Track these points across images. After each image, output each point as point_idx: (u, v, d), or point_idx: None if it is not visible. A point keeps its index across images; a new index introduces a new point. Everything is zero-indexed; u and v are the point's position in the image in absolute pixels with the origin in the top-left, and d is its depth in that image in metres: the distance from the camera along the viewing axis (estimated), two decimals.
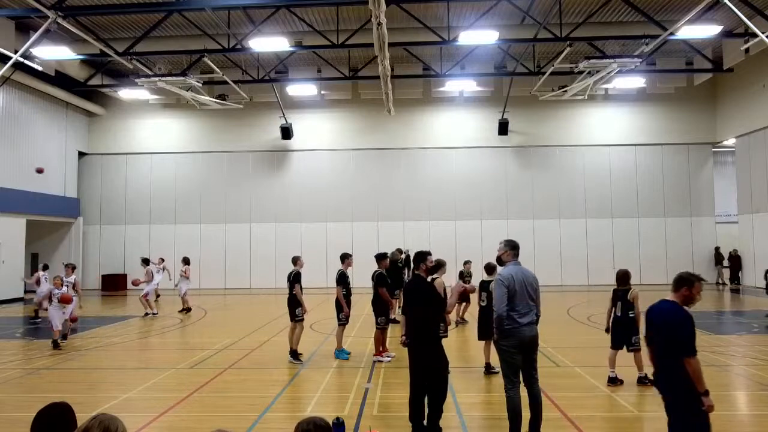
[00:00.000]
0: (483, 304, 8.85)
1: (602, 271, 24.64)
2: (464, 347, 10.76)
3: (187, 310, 16.83)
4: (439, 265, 8.39)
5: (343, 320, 9.83)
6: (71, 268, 12.46)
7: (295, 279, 9.81)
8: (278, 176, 25.69)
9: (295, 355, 9.65)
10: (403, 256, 17.27)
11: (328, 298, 17.49)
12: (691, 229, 24.86)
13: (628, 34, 18.93)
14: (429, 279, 6.39)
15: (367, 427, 6.09)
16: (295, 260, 10.13)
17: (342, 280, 9.79)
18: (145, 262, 17.21)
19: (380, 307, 9.72)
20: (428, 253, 6.24)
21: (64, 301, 11.37)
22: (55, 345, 11.04)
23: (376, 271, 9.97)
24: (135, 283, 16.99)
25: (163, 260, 21.03)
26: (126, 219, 25.84)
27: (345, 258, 10.13)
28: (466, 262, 13.95)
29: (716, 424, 6.20)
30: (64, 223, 24.56)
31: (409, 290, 6.07)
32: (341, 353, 9.83)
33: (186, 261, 17.56)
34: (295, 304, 9.79)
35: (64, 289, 11.55)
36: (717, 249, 24.67)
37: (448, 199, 25.03)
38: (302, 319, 9.82)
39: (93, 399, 7.41)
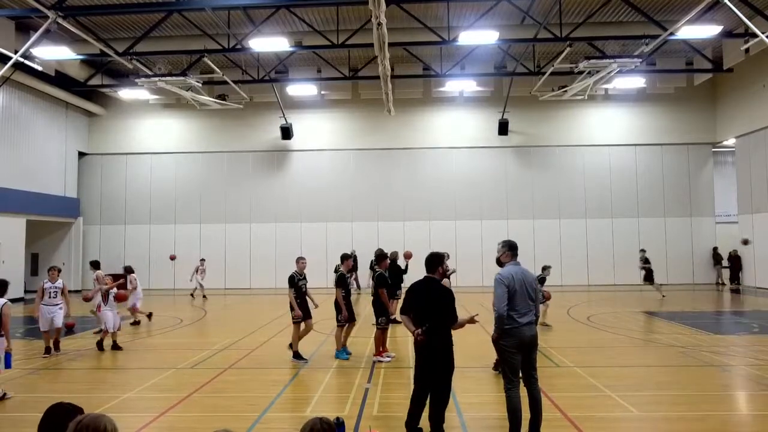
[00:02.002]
0: None
1: (602, 271, 24.69)
2: (465, 347, 10.75)
3: (136, 323, 14.34)
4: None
5: (342, 322, 9.81)
6: (57, 270, 10.90)
7: (289, 282, 9.81)
8: (278, 176, 25.69)
9: (296, 355, 9.65)
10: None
11: (328, 298, 17.47)
12: (691, 229, 24.86)
13: (628, 34, 18.92)
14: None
15: (367, 427, 6.09)
16: (296, 261, 10.13)
17: (341, 281, 9.77)
18: (94, 265, 13.91)
19: (380, 308, 9.71)
20: (443, 256, 6.01)
21: (120, 299, 11.15)
22: (107, 346, 10.86)
23: (376, 271, 9.97)
24: (86, 298, 12.51)
25: (203, 260, 21.92)
26: (126, 219, 25.84)
27: (345, 259, 10.10)
28: (545, 268, 12.73)
29: (717, 424, 6.22)
30: (64, 223, 24.55)
31: (421, 291, 5.70)
32: (341, 353, 9.82)
33: (128, 270, 14.80)
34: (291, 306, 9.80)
35: (114, 289, 11.23)
36: (715, 249, 24.67)
37: (448, 199, 25.03)
38: (298, 321, 9.80)
39: (93, 399, 7.40)
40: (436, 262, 5.80)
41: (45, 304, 10.54)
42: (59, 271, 11.00)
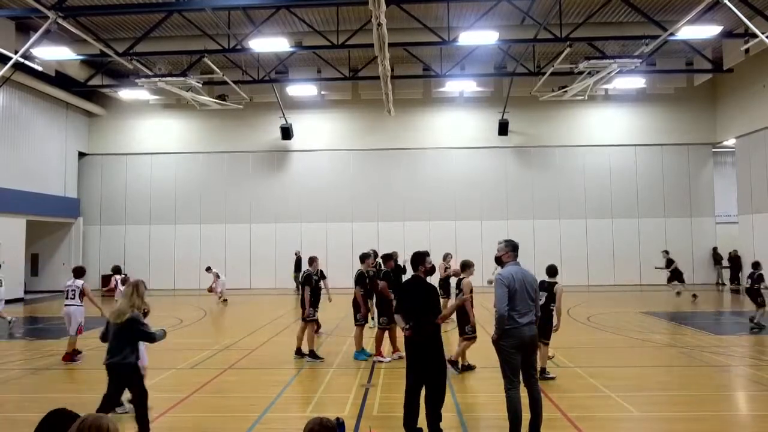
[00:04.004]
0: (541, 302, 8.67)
1: (602, 271, 24.67)
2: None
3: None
4: (467, 266, 8.50)
5: (361, 321, 9.88)
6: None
7: (305, 281, 9.85)
8: (278, 176, 25.69)
9: (313, 354, 9.66)
10: (294, 257, 16.03)
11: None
12: (691, 230, 24.84)
13: (628, 35, 18.93)
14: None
15: (367, 427, 6.09)
16: (310, 261, 10.18)
17: (360, 280, 9.89)
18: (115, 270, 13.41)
19: (382, 307, 9.74)
20: (426, 254, 6.22)
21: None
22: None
23: (382, 271, 10.02)
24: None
25: (209, 268, 20.03)
26: (126, 219, 25.83)
27: (365, 258, 10.24)
28: (756, 264, 12.63)
29: (716, 424, 6.22)
30: (64, 224, 24.54)
31: (407, 290, 6.07)
32: (360, 354, 9.80)
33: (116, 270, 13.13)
34: (304, 304, 9.82)
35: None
36: (715, 249, 24.67)
37: (448, 199, 25.02)
38: (313, 320, 9.86)
39: (93, 399, 7.38)
40: (417, 260, 6.15)
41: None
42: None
